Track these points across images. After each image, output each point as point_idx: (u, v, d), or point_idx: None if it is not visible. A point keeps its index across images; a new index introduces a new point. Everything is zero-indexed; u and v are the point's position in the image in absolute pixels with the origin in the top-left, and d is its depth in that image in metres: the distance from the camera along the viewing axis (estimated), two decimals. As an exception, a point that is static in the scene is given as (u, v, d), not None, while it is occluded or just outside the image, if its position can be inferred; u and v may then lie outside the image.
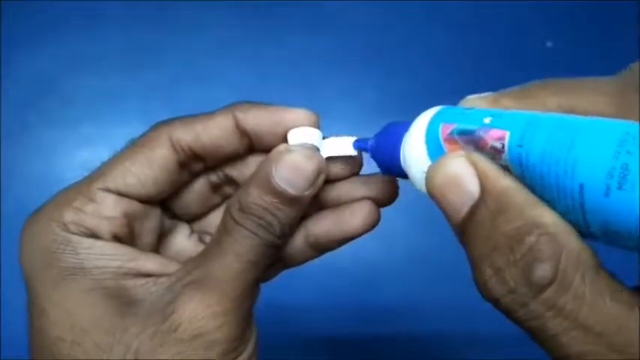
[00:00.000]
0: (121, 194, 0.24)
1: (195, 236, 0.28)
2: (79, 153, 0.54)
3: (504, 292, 0.16)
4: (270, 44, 0.59)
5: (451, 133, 0.19)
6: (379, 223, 0.26)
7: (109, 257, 0.23)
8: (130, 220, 0.24)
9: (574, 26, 0.62)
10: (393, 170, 0.23)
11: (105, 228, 0.24)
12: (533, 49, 0.61)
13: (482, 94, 0.21)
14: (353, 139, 0.25)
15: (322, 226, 0.26)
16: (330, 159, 0.25)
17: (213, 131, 0.25)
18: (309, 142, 0.25)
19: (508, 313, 0.17)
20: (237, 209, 0.23)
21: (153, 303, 0.22)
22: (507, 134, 0.17)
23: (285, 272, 0.28)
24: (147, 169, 0.24)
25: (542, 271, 0.16)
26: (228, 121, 0.25)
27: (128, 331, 0.22)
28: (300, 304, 0.50)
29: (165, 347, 0.22)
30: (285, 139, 0.25)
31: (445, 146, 0.19)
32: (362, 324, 0.51)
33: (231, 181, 0.27)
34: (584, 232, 0.16)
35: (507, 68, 0.59)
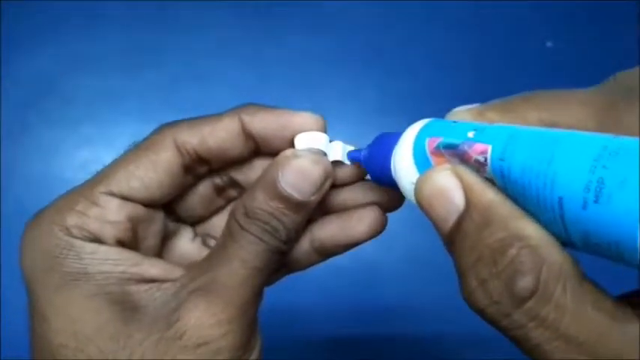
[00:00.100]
0: (124, 198, 0.24)
1: (198, 239, 0.28)
2: (79, 153, 0.54)
3: (488, 302, 0.17)
4: (270, 44, 0.59)
5: (437, 147, 0.20)
6: (386, 224, 0.26)
7: (112, 262, 0.23)
8: (134, 224, 0.24)
9: (574, 26, 0.62)
10: (384, 180, 0.23)
11: (108, 232, 0.23)
12: (533, 49, 0.61)
13: (469, 106, 0.21)
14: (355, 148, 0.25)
15: (328, 230, 0.26)
16: (336, 163, 0.25)
17: (220, 134, 0.24)
18: (315, 146, 0.24)
19: (493, 322, 0.17)
20: (242, 214, 0.23)
21: (157, 309, 0.22)
22: (490, 148, 0.18)
23: (286, 273, 0.28)
24: (151, 173, 0.24)
25: (524, 282, 0.16)
26: (234, 124, 0.24)
27: (132, 338, 0.21)
28: (300, 305, 0.50)
29: (170, 355, 0.21)
30: (291, 143, 0.25)
31: (432, 159, 0.20)
32: (361, 324, 0.51)
33: (235, 184, 0.27)
34: (567, 243, 0.17)
35: (507, 68, 0.59)
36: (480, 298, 0.17)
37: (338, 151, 0.25)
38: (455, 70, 0.59)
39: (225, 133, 0.24)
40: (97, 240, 0.23)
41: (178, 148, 0.24)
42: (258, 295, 0.24)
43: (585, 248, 0.16)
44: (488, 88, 0.59)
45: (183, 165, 0.25)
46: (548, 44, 0.61)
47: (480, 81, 0.58)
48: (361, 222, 0.25)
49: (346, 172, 0.26)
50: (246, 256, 0.23)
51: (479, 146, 0.18)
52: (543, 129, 0.18)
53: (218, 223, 0.28)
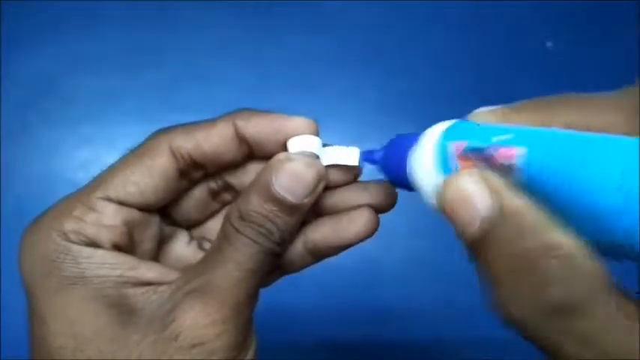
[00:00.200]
0: (121, 203, 0.24)
1: (194, 243, 0.28)
2: (79, 153, 0.54)
3: (521, 314, 0.17)
4: (270, 44, 0.59)
5: (465, 151, 0.19)
6: (379, 225, 0.26)
7: (109, 266, 0.23)
8: (130, 228, 0.24)
9: (574, 26, 0.62)
10: (400, 182, 0.23)
11: (105, 237, 0.24)
12: (533, 49, 0.61)
13: (492, 108, 0.20)
14: (353, 149, 0.25)
15: (321, 232, 0.26)
16: (329, 166, 0.25)
17: (214, 139, 0.25)
18: (308, 150, 0.25)
19: (526, 333, 0.17)
20: (237, 217, 0.23)
21: (153, 311, 0.22)
22: (518, 152, 0.17)
23: (285, 273, 0.28)
24: (147, 178, 0.24)
25: (558, 293, 0.16)
26: (228, 129, 0.25)
27: (130, 340, 0.22)
28: (300, 305, 0.51)
29: (167, 355, 0.22)
30: (285, 147, 0.25)
31: (458, 163, 0.19)
32: (361, 325, 0.51)
33: (230, 188, 0.27)
34: (597, 249, 0.16)
35: (507, 68, 0.59)
36: (514, 310, 0.17)
37: (333, 154, 0.25)
38: (455, 70, 0.59)
39: (219, 138, 0.25)
40: (94, 244, 0.23)
41: (173, 153, 0.24)
42: (252, 296, 0.24)
43: (614, 254, 0.16)
44: (488, 88, 0.59)
45: (179, 170, 0.25)
46: (548, 44, 0.61)
47: (480, 81, 0.58)
48: (353, 223, 0.25)
49: (339, 175, 0.26)
50: (241, 258, 0.23)
51: (506, 150, 0.18)
52: (573, 132, 0.17)
53: (213, 226, 0.28)
